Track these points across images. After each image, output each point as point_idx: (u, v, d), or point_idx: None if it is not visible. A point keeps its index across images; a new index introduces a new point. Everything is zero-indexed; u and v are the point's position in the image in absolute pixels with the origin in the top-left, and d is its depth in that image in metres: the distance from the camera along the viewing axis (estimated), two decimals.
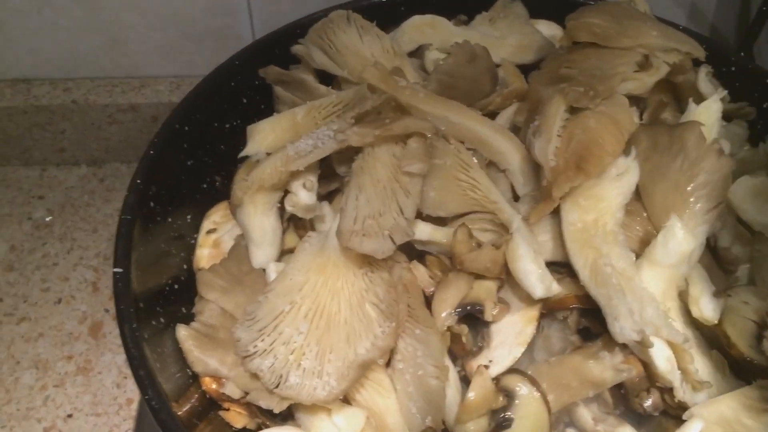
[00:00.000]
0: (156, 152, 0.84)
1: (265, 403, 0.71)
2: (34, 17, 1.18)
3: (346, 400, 0.72)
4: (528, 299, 0.74)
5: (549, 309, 0.76)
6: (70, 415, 1.00)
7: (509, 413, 0.69)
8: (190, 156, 0.89)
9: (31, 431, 0.98)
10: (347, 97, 0.84)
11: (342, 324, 0.71)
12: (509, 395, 0.70)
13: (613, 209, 0.75)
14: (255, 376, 0.71)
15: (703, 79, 0.88)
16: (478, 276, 0.76)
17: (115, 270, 0.73)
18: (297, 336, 0.71)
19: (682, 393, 0.70)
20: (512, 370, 0.73)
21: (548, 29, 1.02)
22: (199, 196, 0.89)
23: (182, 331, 0.76)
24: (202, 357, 0.75)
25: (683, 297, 0.75)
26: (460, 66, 0.88)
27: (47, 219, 1.23)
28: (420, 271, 0.77)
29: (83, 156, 1.32)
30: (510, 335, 0.74)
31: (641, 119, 0.89)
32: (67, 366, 1.05)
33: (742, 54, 1.12)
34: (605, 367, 0.71)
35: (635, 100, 0.85)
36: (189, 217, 0.89)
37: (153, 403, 0.65)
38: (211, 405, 0.75)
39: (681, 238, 0.72)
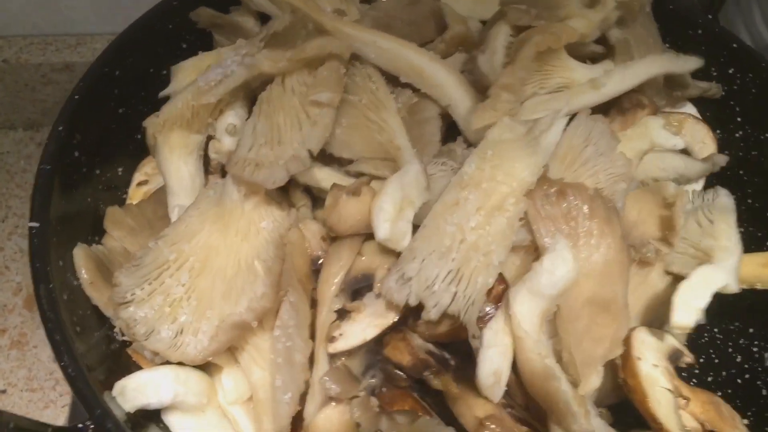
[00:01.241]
0: (81, 97, 0.76)
1: (147, 353, 0.66)
2: None
3: None
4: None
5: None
6: (3, 391, 0.93)
7: None
8: (121, 103, 0.81)
9: None
10: None
11: (227, 279, 0.66)
12: None
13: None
14: (127, 324, 0.64)
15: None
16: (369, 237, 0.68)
17: (31, 224, 0.66)
18: (177, 287, 0.65)
19: None
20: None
21: None
22: (132, 147, 0.82)
23: (79, 251, 0.70)
24: (95, 286, 0.69)
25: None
26: (399, 6, 0.82)
27: None
28: (311, 231, 0.70)
29: (19, 119, 1.23)
30: (375, 314, 0.66)
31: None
32: (1, 339, 0.98)
33: (709, 17, 1.08)
34: None
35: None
36: (120, 169, 0.82)
37: (69, 370, 0.58)
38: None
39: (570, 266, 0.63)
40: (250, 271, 0.65)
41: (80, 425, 0.59)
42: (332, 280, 0.65)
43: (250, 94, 0.78)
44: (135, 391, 0.63)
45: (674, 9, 0.91)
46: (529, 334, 0.61)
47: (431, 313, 0.61)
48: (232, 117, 0.77)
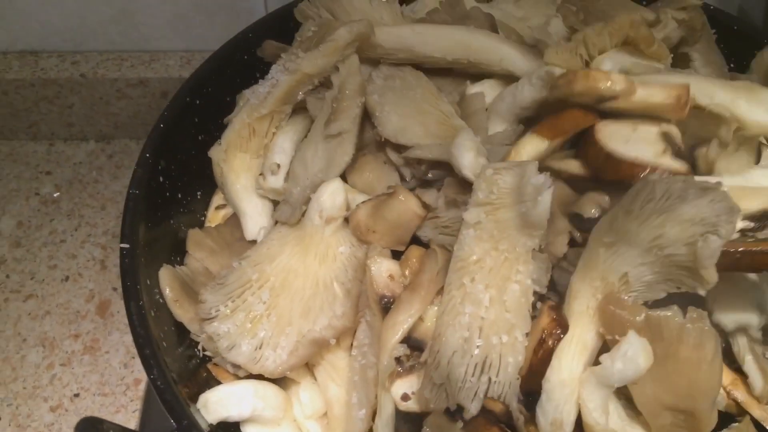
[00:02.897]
0: (166, 125, 0.81)
1: (229, 366, 0.70)
2: None
3: None
4: None
5: None
6: (77, 395, 0.98)
7: None
8: (201, 130, 0.86)
9: (38, 410, 0.97)
10: None
11: (305, 299, 0.70)
12: None
13: None
14: (211, 339, 0.69)
15: None
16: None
17: (122, 245, 0.71)
18: (258, 305, 0.70)
19: None
20: None
21: None
22: (209, 172, 0.86)
23: (165, 272, 0.74)
24: (179, 304, 0.73)
25: None
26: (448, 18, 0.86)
27: (55, 195, 1.21)
28: (382, 268, 0.70)
29: (92, 131, 1.29)
30: None
31: None
32: (74, 345, 1.03)
33: None
34: None
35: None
36: (199, 193, 0.86)
37: (158, 383, 0.63)
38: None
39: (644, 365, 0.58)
40: (329, 292, 0.69)
41: None
42: (398, 328, 0.66)
43: (299, 108, 0.84)
44: (217, 404, 0.67)
45: (738, 29, 0.92)
46: (599, 422, 0.60)
47: (471, 410, 0.61)
48: (278, 153, 0.82)
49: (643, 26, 0.80)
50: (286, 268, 0.71)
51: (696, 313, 0.58)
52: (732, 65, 0.92)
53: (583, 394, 0.61)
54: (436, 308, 0.67)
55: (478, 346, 0.61)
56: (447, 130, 0.77)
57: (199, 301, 0.70)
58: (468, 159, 0.66)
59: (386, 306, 0.68)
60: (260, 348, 0.68)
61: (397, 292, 0.68)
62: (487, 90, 0.83)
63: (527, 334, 0.62)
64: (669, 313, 0.58)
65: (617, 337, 0.59)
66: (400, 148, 0.78)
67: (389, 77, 0.82)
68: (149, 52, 1.24)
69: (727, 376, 0.69)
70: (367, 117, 0.80)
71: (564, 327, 0.62)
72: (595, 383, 0.60)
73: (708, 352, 0.58)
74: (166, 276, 0.74)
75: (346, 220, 0.74)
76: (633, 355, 0.57)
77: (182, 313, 0.72)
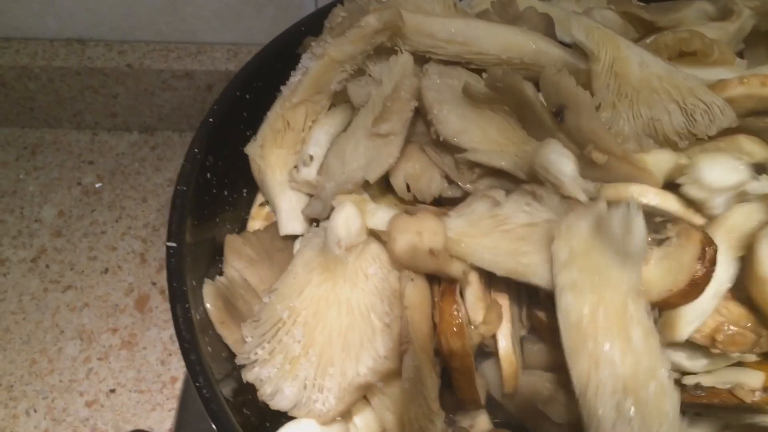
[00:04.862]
0: (216, 120, 0.78)
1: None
2: None
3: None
4: None
5: None
6: (113, 390, 0.97)
7: None
8: (249, 126, 0.83)
9: (73, 404, 0.95)
10: None
11: (343, 331, 0.65)
12: None
13: None
14: (254, 385, 0.66)
15: None
16: None
17: (169, 244, 0.68)
18: (294, 345, 0.65)
19: None
20: None
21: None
22: None
23: (208, 288, 0.71)
24: (225, 325, 0.70)
25: None
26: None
27: (97, 185, 1.20)
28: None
29: (135, 122, 1.28)
30: None
31: None
32: (112, 339, 1.02)
33: None
34: None
35: None
36: (245, 190, 0.84)
37: (204, 392, 0.60)
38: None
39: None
40: (366, 323, 0.65)
41: None
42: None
43: (335, 100, 0.82)
44: None
45: None
46: None
47: None
48: (313, 145, 0.79)
49: (696, 39, 0.76)
50: (316, 298, 0.67)
51: None
52: None
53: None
54: None
55: (631, 407, 0.54)
56: (509, 138, 0.73)
57: (242, 340, 0.68)
58: (570, 168, 0.61)
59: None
60: (304, 389, 0.65)
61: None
62: None
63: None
64: None
65: None
66: (454, 149, 0.74)
67: (444, 74, 0.79)
68: (196, 44, 1.22)
69: None
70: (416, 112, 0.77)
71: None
72: None
73: None
74: (210, 294, 0.70)
75: (373, 235, 0.70)
76: None
77: (228, 334, 0.69)
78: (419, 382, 0.61)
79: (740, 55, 0.84)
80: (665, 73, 0.72)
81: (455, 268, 0.63)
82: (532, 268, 0.61)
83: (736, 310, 0.63)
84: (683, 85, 0.71)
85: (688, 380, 0.65)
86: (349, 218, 0.66)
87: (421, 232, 0.62)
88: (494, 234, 0.64)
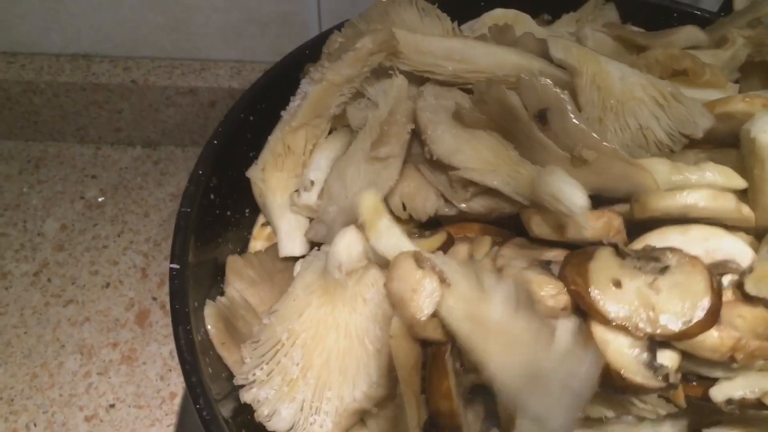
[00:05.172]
0: (220, 142, 0.80)
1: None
2: None
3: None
4: None
5: None
6: (112, 405, 0.97)
7: None
8: (252, 147, 0.84)
9: (73, 419, 0.96)
10: None
11: (341, 354, 0.66)
12: None
13: None
14: (251, 406, 0.67)
15: None
16: None
17: (172, 266, 0.69)
18: (292, 367, 0.66)
19: None
20: None
21: None
22: None
23: (209, 310, 0.72)
24: (226, 346, 0.71)
25: None
26: None
27: (100, 199, 1.21)
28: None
29: (138, 137, 1.29)
30: None
31: None
32: (112, 354, 1.02)
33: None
34: None
35: None
36: (247, 210, 0.85)
37: (204, 413, 0.61)
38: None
39: None
40: (362, 347, 0.65)
41: None
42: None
43: (335, 124, 0.84)
44: None
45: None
46: None
47: None
48: (314, 170, 0.81)
49: (687, 57, 0.78)
50: (315, 320, 0.68)
51: None
52: None
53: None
54: None
55: None
56: (501, 159, 0.74)
57: (241, 361, 0.69)
58: (581, 199, 0.60)
59: None
60: (301, 411, 0.65)
61: None
62: None
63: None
64: None
65: None
66: (448, 168, 0.76)
67: (440, 96, 0.80)
68: (200, 61, 1.24)
69: None
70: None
71: None
72: None
73: None
74: (211, 315, 0.71)
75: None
76: None
77: (228, 355, 0.70)
78: (402, 411, 0.61)
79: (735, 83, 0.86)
80: (647, 81, 0.74)
81: (435, 335, 0.60)
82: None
83: (750, 315, 0.61)
84: (666, 91, 0.73)
85: (717, 395, 0.62)
86: (351, 243, 0.67)
87: (416, 291, 0.59)
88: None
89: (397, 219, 0.78)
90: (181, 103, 1.23)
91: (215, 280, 0.78)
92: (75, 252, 1.13)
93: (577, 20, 0.95)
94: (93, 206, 1.20)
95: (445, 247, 0.72)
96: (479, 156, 0.75)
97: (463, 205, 0.76)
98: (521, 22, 0.93)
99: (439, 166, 0.76)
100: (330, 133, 0.86)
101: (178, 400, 0.98)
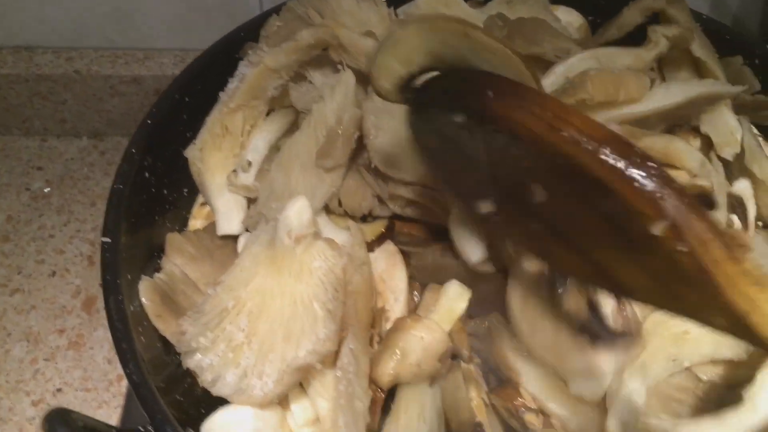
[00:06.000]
0: (153, 121, 0.81)
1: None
2: None
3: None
4: None
5: None
6: (59, 390, 0.98)
7: None
8: (189, 128, 0.86)
9: (20, 404, 0.96)
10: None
11: (285, 321, 0.67)
12: None
13: None
14: (194, 372, 0.68)
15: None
16: None
17: (104, 239, 0.71)
18: (238, 333, 0.67)
19: None
20: None
21: (567, 16, 0.98)
22: None
23: (144, 285, 0.73)
24: (162, 319, 0.72)
25: None
26: None
27: (45, 190, 1.21)
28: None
29: (84, 128, 1.29)
30: None
31: None
32: (59, 340, 1.03)
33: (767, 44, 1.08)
34: None
35: None
36: (186, 190, 0.86)
37: (134, 377, 0.62)
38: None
39: None
40: (308, 313, 0.67)
41: (141, 428, 0.64)
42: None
43: (274, 105, 0.86)
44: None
45: (730, 38, 0.92)
46: None
47: None
48: (252, 151, 0.84)
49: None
50: (261, 290, 0.69)
51: None
52: None
53: None
54: None
55: None
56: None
57: (180, 332, 0.69)
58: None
59: None
60: (245, 377, 0.66)
61: None
62: None
63: None
64: None
65: None
66: (386, 178, 0.78)
67: None
68: (143, 50, 1.24)
69: None
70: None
71: None
72: None
73: None
74: (146, 289, 0.73)
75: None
76: None
77: (165, 327, 0.71)
78: (354, 364, 0.66)
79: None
80: None
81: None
82: None
83: None
84: None
85: None
86: (301, 210, 0.69)
87: (424, 339, 0.70)
88: None
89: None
90: (125, 92, 1.23)
91: (152, 258, 0.79)
92: (21, 242, 1.14)
93: (508, 1, 0.98)
94: (39, 197, 1.20)
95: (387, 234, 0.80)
96: (416, 170, 0.77)
97: (398, 209, 0.79)
98: (452, 4, 0.95)
99: (379, 172, 0.79)
100: (268, 114, 0.88)
101: (125, 382, 0.99)
